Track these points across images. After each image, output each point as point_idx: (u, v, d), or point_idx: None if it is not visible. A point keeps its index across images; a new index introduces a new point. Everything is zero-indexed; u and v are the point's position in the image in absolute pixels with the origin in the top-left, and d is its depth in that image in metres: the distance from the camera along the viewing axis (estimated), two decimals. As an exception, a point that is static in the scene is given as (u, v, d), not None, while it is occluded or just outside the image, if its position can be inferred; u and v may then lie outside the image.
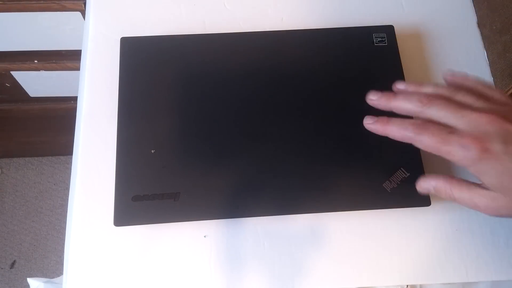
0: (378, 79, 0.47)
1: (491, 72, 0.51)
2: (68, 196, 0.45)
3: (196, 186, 0.42)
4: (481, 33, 0.53)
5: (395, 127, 0.32)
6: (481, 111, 0.30)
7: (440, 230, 0.44)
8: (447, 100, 0.31)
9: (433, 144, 0.31)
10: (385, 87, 0.46)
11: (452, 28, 0.53)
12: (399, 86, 0.36)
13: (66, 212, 0.44)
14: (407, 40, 0.52)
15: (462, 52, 0.52)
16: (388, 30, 0.49)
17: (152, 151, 0.43)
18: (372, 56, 0.48)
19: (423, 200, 0.42)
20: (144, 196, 0.41)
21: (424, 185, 0.34)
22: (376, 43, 0.48)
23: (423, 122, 0.31)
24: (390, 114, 0.35)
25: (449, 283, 0.43)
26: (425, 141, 0.31)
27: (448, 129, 0.30)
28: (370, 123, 0.34)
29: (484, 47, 0.53)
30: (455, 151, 0.30)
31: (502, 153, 0.28)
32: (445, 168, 0.46)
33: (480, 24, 0.54)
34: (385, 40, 0.48)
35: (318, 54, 0.48)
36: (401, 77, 0.47)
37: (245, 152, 0.43)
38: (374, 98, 0.35)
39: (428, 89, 0.34)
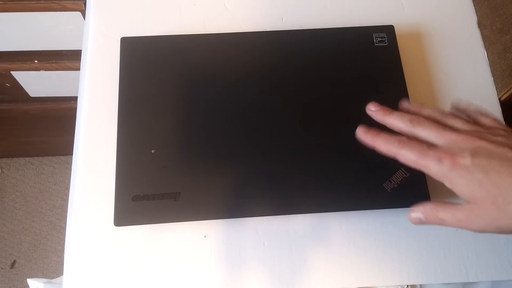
0: (378, 79, 0.47)
1: (491, 72, 0.51)
2: (68, 196, 0.45)
3: (196, 186, 0.42)
4: (481, 33, 0.53)
5: (382, 140, 0.35)
6: (461, 132, 0.33)
7: (440, 230, 0.44)
8: (435, 123, 0.35)
9: (412, 158, 0.33)
10: (385, 87, 0.47)
11: (452, 28, 0.53)
12: (403, 104, 0.39)
13: (66, 212, 0.44)
14: (407, 40, 0.52)
15: (462, 52, 0.52)
16: (388, 30, 0.49)
17: (152, 151, 0.43)
18: (372, 56, 0.48)
19: (423, 200, 0.42)
20: (144, 196, 0.41)
21: (414, 215, 0.35)
22: (376, 43, 0.48)
23: (407, 138, 0.34)
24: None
25: (449, 283, 0.43)
26: (406, 155, 0.34)
27: (426, 145, 0.33)
28: (362, 132, 0.37)
29: (484, 47, 0.53)
30: (430, 165, 0.32)
31: (471, 164, 0.31)
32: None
33: (480, 24, 0.54)
34: (385, 40, 0.48)
35: (318, 54, 0.48)
36: (401, 77, 0.47)
37: (245, 152, 0.43)
38: (372, 109, 0.38)
39: (424, 111, 0.37)
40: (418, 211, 0.35)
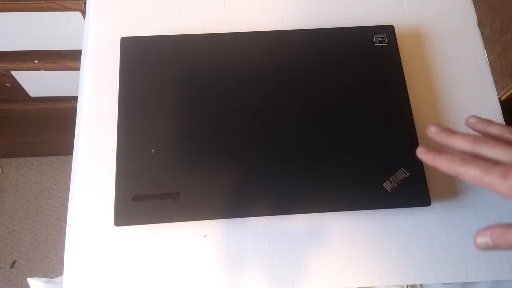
0: (378, 79, 0.47)
1: (491, 72, 0.51)
2: (68, 196, 0.45)
3: (196, 186, 0.42)
4: (481, 33, 0.53)
5: (444, 160, 0.34)
6: None
7: (440, 230, 0.44)
8: (500, 141, 0.34)
9: (476, 175, 0.32)
10: (385, 87, 0.47)
11: (452, 28, 0.53)
12: (470, 119, 0.38)
13: (66, 212, 0.44)
14: (407, 40, 0.52)
15: (462, 52, 0.52)
16: (388, 30, 0.49)
17: (153, 151, 0.43)
18: (372, 56, 0.48)
19: (423, 200, 0.42)
20: (144, 196, 0.41)
21: (480, 239, 0.34)
22: (376, 43, 0.48)
23: (470, 156, 0.33)
24: None
25: (449, 283, 0.43)
26: (469, 173, 0.32)
27: (492, 162, 0.32)
28: (422, 153, 0.36)
29: (484, 47, 0.53)
30: (496, 181, 0.31)
31: None
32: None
33: (480, 24, 0.54)
34: (385, 40, 0.48)
35: (319, 54, 0.48)
36: (401, 77, 0.47)
37: (245, 152, 0.43)
38: (433, 131, 0.37)
39: (492, 129, 0.36)
40: (485, 235, 0.33)
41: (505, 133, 0.36)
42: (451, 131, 0.37)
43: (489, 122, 0.37)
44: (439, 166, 0.35)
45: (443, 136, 0.37)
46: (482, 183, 0.32)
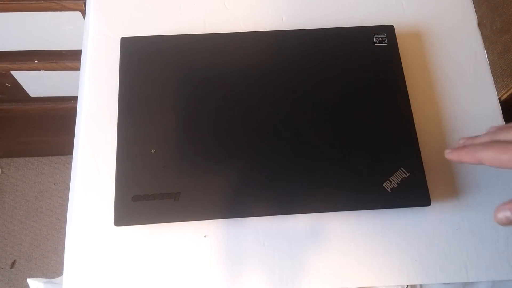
0: (379, 78, 0.47)
1: (491, 72, 0.51)
2: (68, 196, 0.45)
3: (196, 186, 0.42)
4: (481, 33, 0.53)
5: (466, 152, 0.35)
6: None
7: (440, 230, 0.44)
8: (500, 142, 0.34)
9: (495, 156, 0.33)
10: (385, 87, 0.46)
11: (452, 28, 0.53)
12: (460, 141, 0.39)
13: (66, 212, 0.44)
14: (407, 40, 0.52)
15: (462, 52, 0.52)
16: (388, 30, 0.49)
17: (152, 151, 0.43)
18: (372, 56, 0.48)
19: (423, 200, 0.42)
20: (144, 196, 0.41)
21: (501, 214, 0.33)
22: (376, 43, 0.48)
23: (489, 141, 0.34)
24: None
25: (449, 283, 0.43)
26: (489, 156, 0.33)
27: (508, 142, 0.32)
28: (448, 153, 0.37)
29: (484, 47, 0.53)
30: None
31: None
32: (446, 168, 0.46)
33: (480, 24, 0.54)
34: (385, 40, 0.48)
35: (319, 54, 0.48)
36: (401, 77, 0.47)
37: (245, 152, 0.43)
38: (453, 155, 0.38)
39: (479, 139, 0.37)
40: (505, 210, 0.33)
41: (494, 136, 0.36)
42: (471, 138, 0.38)
43: (476, 137, 0.38)
44: (463, 159, 0.36)
45: (470, 151, 0.36)
46: (502, 162, 0.32)
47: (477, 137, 0.37)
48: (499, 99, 0.50)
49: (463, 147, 0.36)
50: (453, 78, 0.51)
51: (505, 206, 0.32)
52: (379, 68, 0.47)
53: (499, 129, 0.35)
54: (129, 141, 0.43)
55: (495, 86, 0.51)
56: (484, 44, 0.53)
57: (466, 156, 0.35)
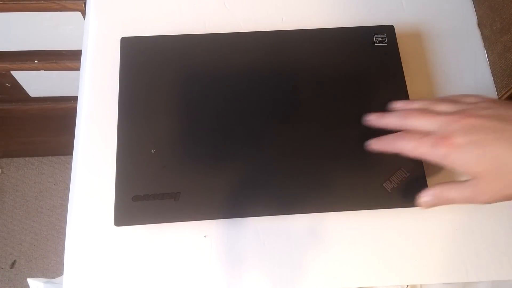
0: (379, 79, 0.47)
1: (491, 72, 0.51)
2: (68, 196, 0.45)
3: (196, 186, 0.42)
4: (481, 33, 0.53)
5: (384, 142, 0.38)
6: (450, 114, 0.35)
7: (440, 230, 0.44)
8: (424, 111, 0.37)
9: (411, 149, 0.35)
10: (385, 87, 0.47)
11: (452, 28, 0.53)
12: (394, 104, 0.41)
13: (66, 212, 0.44)
14: (407, 40, 0.52)
15: (462, 52, 0.52)
16: (388, 30, 0.49)
17: (153, 151, 0.43)
18: (372, 56, 0.48)
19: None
20: (144, 196, 0.41)
21: (424, 199, 0.37)
22: (376, 43, 0.48)
23: (403, 132, 0.37)
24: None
25: (449, 283, 0.43)
26: (406, 148, 0.36)
27: (422, 134, 0.35)
28: (369, 145, 0.40)
29: (484, 47, 0.53)
30: (428, 152, 0.34)
31: (466, 143, 0.32)
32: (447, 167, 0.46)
33: (480, 24, 0.54)
34: (385, 40, 0.48)
35: (319, 54, 0.48)
36: (401, 77, 0.47)
37: (245, 151, 0.43)
38: (368, 119, 0.41)
39: (414, 104, 0.39)
40: (427, 195, 0.36)
41: (423, 103, 0.38)
42: (382, 114, 0.40)
43: (413, 100, 0.40)
44: (384, 149, 0.38)
45: (376, 121, 0.40)
46: (417, 155, 0.35)
47: (386, 117, 0.39)
48: (499, 99, 0.50)
49: (380, 137, 0.38)
50: (453, 78, 0.51)
51: (427, 192, 0.36)
52: (379, 69, 0.47)
53: (409, 114, 0.37)
54: (129, 141, 0.43)
55: (495, 86, 0.51)
56: (484, 44, 0.53)
57: (386, 146, 0.38)
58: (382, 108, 0.45)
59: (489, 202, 0.33)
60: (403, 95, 0.46)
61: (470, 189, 0.33)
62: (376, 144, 0.39)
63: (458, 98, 0.38)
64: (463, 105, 0.36)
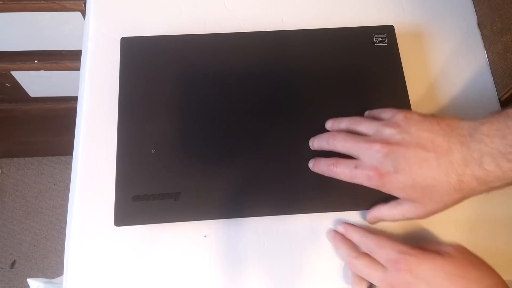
0: (379, 79, 0.47)
1: (491, 72, 0.51)
2: (68, 196, 0.45)
3: (196, 186, 0.42)
4: (481, 33, 0.53)
5: (322, 166, 0.41)
6: (371, 140, 0.38)
7: (440, 230, 0.44)
8: (347, 134, 0.40)
9: (347, 179, 0.39)
10: (385, 87, 0.46)
11: (452, 28, 0.53)
12: (326, 124, 0.44)
13: (66, 212, 0.44)
14: (407, 40, 0.51)
15: (462, 52, 0.52)
16: (388, 30, 0.49)
17: (153, 151, 0.43)
18: (372, 56, 0.48)
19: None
20: (144, 196, 0.41)
21: (367, 218, 0.42)
22: (376, 43, 0.48)
23: (335, 160, 0.40)
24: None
25: (449, 283, 0.43)
26: (341, 176, 0.39)
27: (353, 163, 0.38)
28: (311, 167, 0.43)
29: (484, 47, 0.53)
30: (364, 182, 0.38)
31: (394, 172, 0.36)
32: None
33: (480, 24, 0.54)
34: (385, 40, 0.48)
35: (319, 54, 0.48)
36: (401, 77, 0.47)
37: (245, 152, 0.43)
38: (310, 143, 0.44)
39: (341, 125, 0.43)
40: (369, 214, 0.42)
41: (352, 125, 0.42)
42: (312, 139, 0.43)
43: (341, 119, 0.43)
44: (325, 173, 0.41)
45: (311, 145, 0.43)
46: (354, 183, 0.39)
47: (315, 141, 0.43)
48: (499, 99, 0.50)
49: (317, 160, 0.42)
50: (453, 78, 0.51)
51: (369, 212, 0.41)
52: (379, 69, 0.47)
53: (333, 139, 0.41)
54: (129, 141, 0.43)
55: (495, 86, 0.51)
56: (484, 44, 0.53)
57: (323, 171, 0.41)
58: (383, 107, 0.45)
59: (424, 218, 0.38)
60: (403, 95, 0.46)
61: (411, 211, 0.38)
62: (315, 167, 0.42)
63: (378, 114, 0.41)
64: (381, 123, 0.39)
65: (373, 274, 0.37)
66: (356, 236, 0.41)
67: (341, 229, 0.42)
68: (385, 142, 0.37)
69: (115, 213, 0.41)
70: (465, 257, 0.36)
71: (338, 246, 0.42)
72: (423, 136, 0.36)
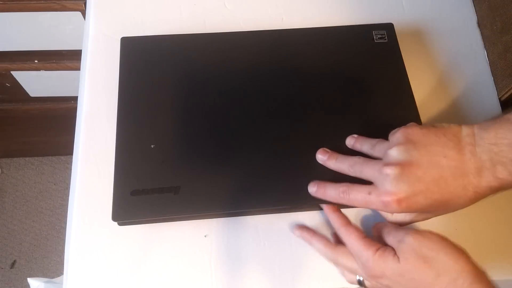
0: (380, 74, 0.46)
1: (491, 72, 0.51)
2: (68, 196, 0.45)
3: (196, 179, 0.42)
4: (481, 33, 0.53)
5: (328, 193, 0.40)
6: (381, 163, 0.36)
7: (440, 229, 0.44)
8: (355, 160, 0.39)
9: (362, 205, 0.37)
10: (387, 81, 0.46)
11: (452, 28, 0.53)
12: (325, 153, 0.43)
13: (66, 212, 0.44)
14: (407, 40, 0.51)
15: (462, 52, 0.52)
16: (388, 28, 0.49)
17: (152, 146, 0.43)
18: (373, 52, 0.47)
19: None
20: (143, 191, 0.41)
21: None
22: (376, 40, 0.48)
23: (346, 187, 0.38)
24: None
25: (449, 283, 0.43)
26: (354, 204, 0.38)
27: (366, 189, 0.36)
28: (312, 192, 0.41)
29: (484, 47, 0.53)
30: (381, 208, 0.36)
31: (412, 195, 0.34)
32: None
33: (480, 24, 0.54)
34: (385, 37, 0.48)
35: (319, 51, 0.48)
36: (403, 71, 0.46)
37: (245, 147, 0.43)
38: (321, 158, 0.42)
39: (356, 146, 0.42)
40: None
41: (359, 145, 0.42)
42: (333, 157, 0.42)
43: (356, 141, 0.42)
44: (330, 200, 0.40)
45: (326, 162, 0.42)
46: (370, 208, 0.40)
47: (332, 161, 0.41)
48: (499, 99, 0.50)
49: (325, 187, 0.40)
50: (453, 79, 0.51)
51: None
52: (380, 64, 0.47)
53: (353, 162, 0.39)
54: (128, 136, 0.43)
55: (495, 86, 0.51)
56: (484, 44, 0.53)
57: (332, 198, 0.39)
58: (385, 103, 0.45)
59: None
60: (405, 88, 0.46)
61: (414, 217, 0.39)
62: (319, 193, 0.40)
63: (375, 142, 0.40)
64: (387, 147, 0.38)
65: (353, 264, 0.38)
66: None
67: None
68: (395, 163, 0.35)
69: (113, 208, 0.40)
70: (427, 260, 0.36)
71: (311, 242, 0.41)
72: (433, 151, 0.35)
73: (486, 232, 0.44)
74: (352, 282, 0.39)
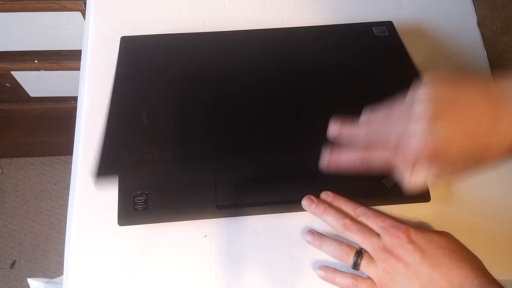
0: (382, 67, 0.46)
1: (491, 72, 0.51)
2: (68, 196, 0.45)
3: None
4: (481, 33, 0.53)
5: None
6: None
7: (440, 227, 0.44)
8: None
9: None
10: (388, 78, 0.46)
11: (452, 28, 0.53)
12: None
13: (66, 212, 0.44)
14: (407, 40, 0.51)
15: (462, 52, 0.52)
16: (388, 26, 0.49)
17: (152, 147, 0.43)
18: (374, 45, 0.47)
19: (423, 196, 0.42)
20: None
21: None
22: (376, 34, 0.48)
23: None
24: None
25: (449, 283, 0.43)
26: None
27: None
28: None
29: (484, 47, 0.53)
30: (408, 159, 0.34)
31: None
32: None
33: (480, 24, 0.54)
34: (385, 31, 0.48)
35: (320, 48, 0.48)
36: (407, 60, 0.46)
37: (245, 147, 0.43)
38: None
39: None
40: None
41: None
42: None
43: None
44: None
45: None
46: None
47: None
48: (499, 99, 0.50)
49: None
50: (453, 78, 0.51)
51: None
52: (382, 57, 0.47)
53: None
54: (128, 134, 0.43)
55: (495, 86, 0.51)
56: (484, 44, 0.53)
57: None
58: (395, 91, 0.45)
59: None
60: (415, 73, 0.45)
61: None
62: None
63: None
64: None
65: (366, 239, 0.39)
66: (347, 205, 0.42)
67: (325, 196, 0.43)
68: (423, 116, 0.32)
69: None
70: (455, 240, 0.39)
71: (326, 215, 0.42)
72: (463, 102, 0.32)
73: (486, 232, 0.44)
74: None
